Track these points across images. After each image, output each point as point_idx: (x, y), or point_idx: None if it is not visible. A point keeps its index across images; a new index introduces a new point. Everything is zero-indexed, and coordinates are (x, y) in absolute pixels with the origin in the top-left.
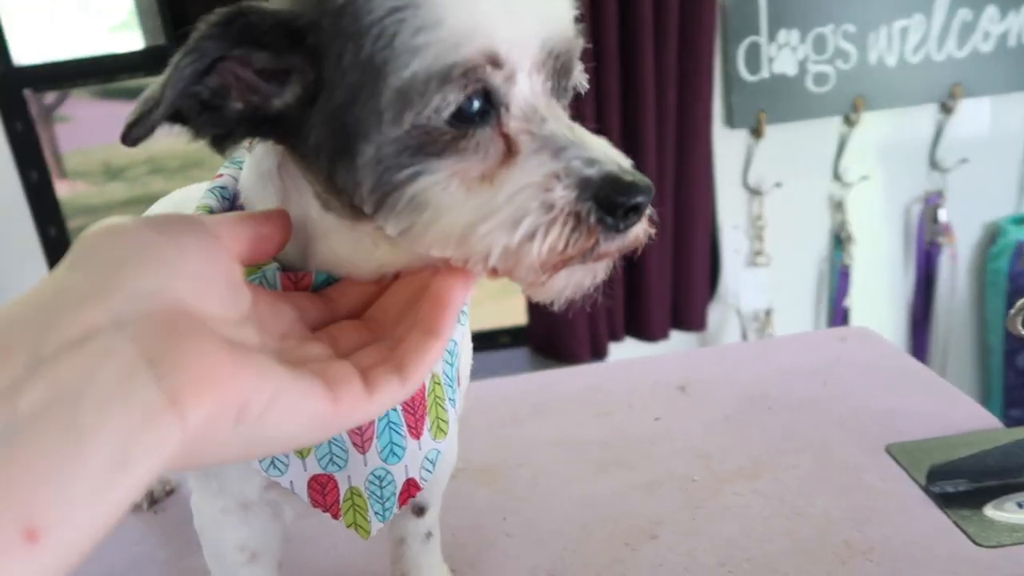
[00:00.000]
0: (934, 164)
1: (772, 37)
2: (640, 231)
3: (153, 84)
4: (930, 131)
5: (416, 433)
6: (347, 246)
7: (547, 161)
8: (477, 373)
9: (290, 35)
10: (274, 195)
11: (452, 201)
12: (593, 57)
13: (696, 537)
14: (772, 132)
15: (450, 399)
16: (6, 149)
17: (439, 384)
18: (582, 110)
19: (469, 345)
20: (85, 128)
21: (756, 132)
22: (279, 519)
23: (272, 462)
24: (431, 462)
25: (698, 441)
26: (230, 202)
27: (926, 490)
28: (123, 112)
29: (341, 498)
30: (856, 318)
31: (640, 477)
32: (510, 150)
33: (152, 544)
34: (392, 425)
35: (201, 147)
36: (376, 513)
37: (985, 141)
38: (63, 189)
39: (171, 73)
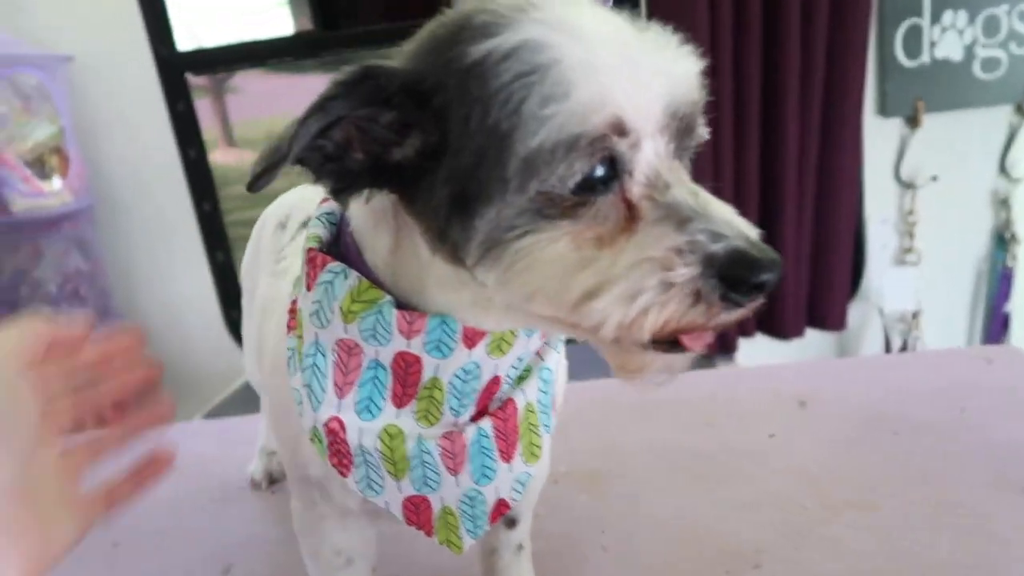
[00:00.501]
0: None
1: (936, 19)
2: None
3: (280, 135)
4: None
5: (507, 457)
6: (464, 296)
7: (670, 233)
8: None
9: (414, 95)
10: (387, 233)
11: (561, 260)
12: (733, 36)
13: (799, 569)
14: (930, 121)
15: (544, 425)
16: (168, 128)
17: (533, 412)
18: (720, 90)
19: (564, 371)
20: (252, 100)
21: (912, 121)
22: (375, 526)
23: (368, 483)
24: (522, 484)
25: (812, 463)
26: (337, 227)
27: None
28: (284, 85)
29: (434, 516)
30: (1018, 327)
31: (745, 497)
32: (632, 216)
33: (267, 523)
34: (484, 450)
35: None
36: (468, 530)
37: None
38: (231, 156)
39: (298, 129)
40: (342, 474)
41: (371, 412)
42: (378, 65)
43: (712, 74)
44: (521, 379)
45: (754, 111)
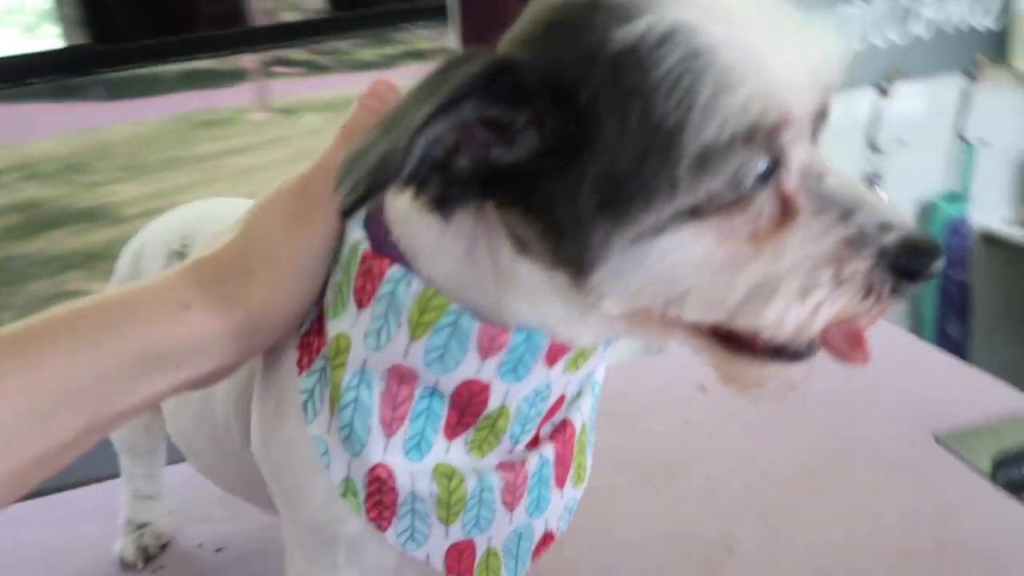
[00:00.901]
0: (873, 147)
1: None
2: None
3: (364, 142)
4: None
5: (561, 483)
6: (557, 306)
7: (835, 225)
8: None
9: (555, 91)
10: (460, 238)
11: (717, 259)
12: None
13: (775, 547)
14: None
15: (591, 443)
16: None
17: (585, 431)
18: None
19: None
20: None
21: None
22: None
23: (411, 535)
24: (569, 511)
25: (738, 444)
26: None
27: (992, 479)
28: None
29: (476, 562)
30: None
31: (692, 487)
32: (786, 210)
33: None
34: (543, 479)
35: (80, 151)
36: (508, 571)
37: (920, 122)
38: None
39: (416, 137)
40: (381, 528)
41: (420, 450)
42: (512, 58)
43: None
44: (575, 401)
45: None
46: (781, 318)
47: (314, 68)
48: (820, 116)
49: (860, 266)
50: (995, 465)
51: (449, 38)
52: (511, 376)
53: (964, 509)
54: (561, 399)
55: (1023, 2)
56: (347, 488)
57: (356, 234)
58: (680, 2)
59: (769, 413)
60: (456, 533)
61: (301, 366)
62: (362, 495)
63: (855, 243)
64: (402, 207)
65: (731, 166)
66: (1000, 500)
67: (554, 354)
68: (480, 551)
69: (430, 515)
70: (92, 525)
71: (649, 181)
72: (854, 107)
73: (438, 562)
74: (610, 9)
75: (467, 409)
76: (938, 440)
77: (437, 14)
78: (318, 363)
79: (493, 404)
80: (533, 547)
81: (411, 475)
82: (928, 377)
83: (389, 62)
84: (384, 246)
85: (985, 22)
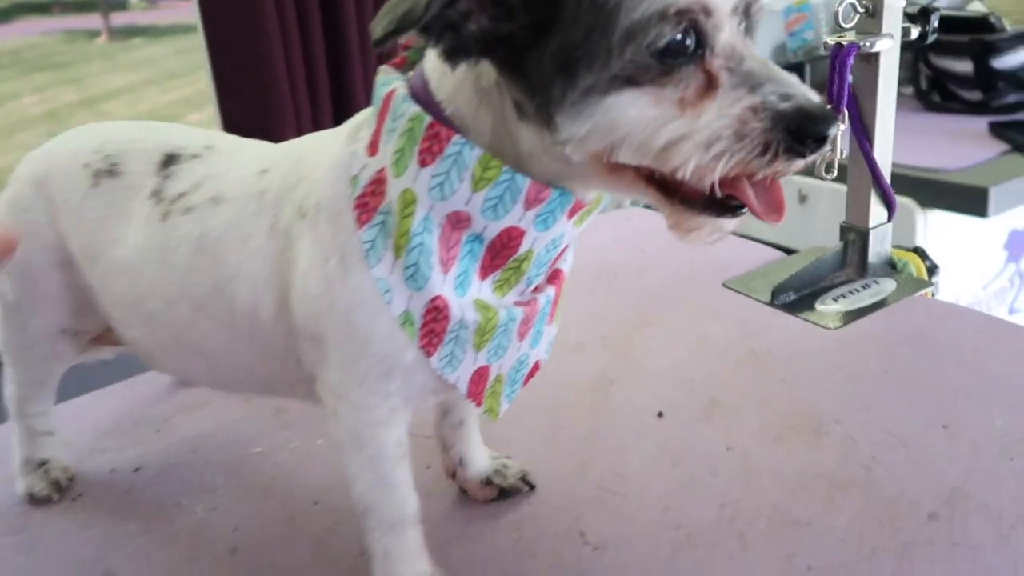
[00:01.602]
0: None
1: None
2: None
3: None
4: None
5: (550, 320)
6: (551, 165)
7: (744, 95)
8: None
9: None
10: (490, 112)
11: (647, 116)
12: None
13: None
14: None
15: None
16: None
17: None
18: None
19: None
20: None
21: None
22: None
23: (449, 361)
24: (550, 344)
25: (682, 419)
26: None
27: (772, 305)
28: None
29: (487, 386)
30: None
31: (684, 468)
32: (711, 84)
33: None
34: (543, 316)
35: None
36: (506, 396)
37: None
38: None
39: None
40: (428, 354)
41: (463, 287)
42: None
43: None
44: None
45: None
46: (686, 162)
47: None
48: (748, 10)
49: (757, 126)
50: (772, 294)
51: None
52: (542, 226)
53: (761, 326)
54: (564, 249)
55: None
56: (405, 319)
57: (413, 109)
58: None
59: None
60: (481, 359)
61: (361, 222)
62: (417, 324)
63: (758, 109)
64: (447, 93)
65: (649, 38)
66: (782, 316)
67: (575, 209)
68: (491, 376)
69: (467, 342)
70: None
71: (592, 49)
72: None
73: (464, 384)
74: None
75: (501, 252)
76: (725, 285)
77: None
78: (377, 217)
79: (523, 248)
80: (526, 374)
81: (460, 306)
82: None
83: None
84: (441, 119)
85: None
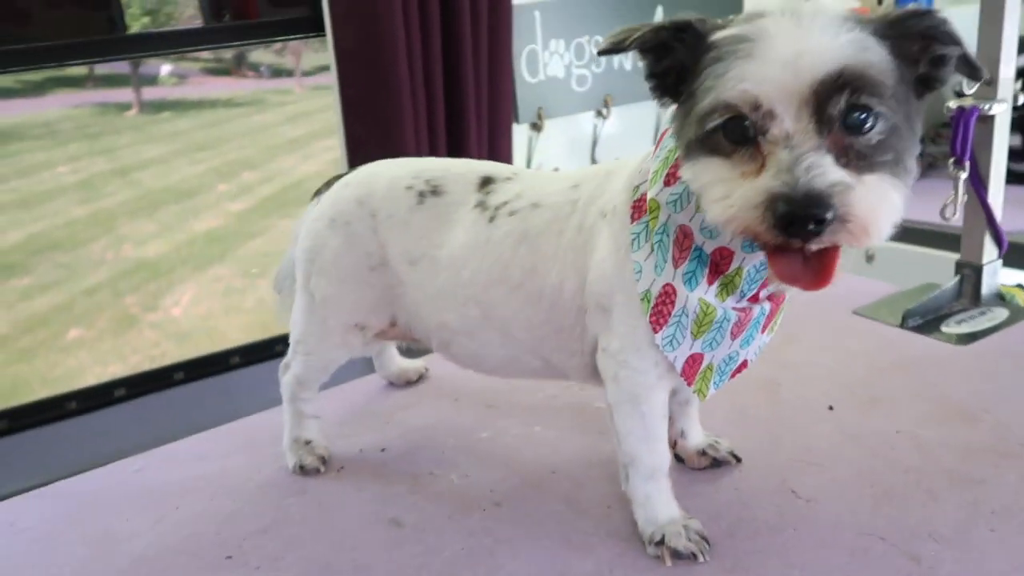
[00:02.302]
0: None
1: (545, 45)
2: (832, 238)
3: (623, 30)
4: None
5: (763, 330)
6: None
7: (771, 180)
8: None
9: (694, 47)
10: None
11: (715, 180)
12: (423, 65)
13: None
14: (549, 125)
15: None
16: None
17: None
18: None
19: None
20: None
21: (536, 126)
22: None
23: (671, 341)
24: (759, 350)
25: None
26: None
27: (902, 327)
28: None
29: (699, 372)
30: None
31: None
32: (763, 164)
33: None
34: (756, 323)
35: None
36: (715, 383)
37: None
38: None
39: (643, 33)
40: (655, 330)
41: (691, 285)
42: (693, 23)
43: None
44: None
45: (442, 129)
46: (716, 214)
47: None
48: (824, 102)
49: (759, 200)
50: (903, 318)
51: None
52: (747, 249)
53: (897, 343)
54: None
55: None
56: (645, 296)
57: (671, 143)
58: (749, 24)
59: None
60: (697, 347)
61: (633, 219)
62: (652, 303)
63: (766, 189)
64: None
65: (710, 123)
66: (914, 335)
67: (768, 281)
68: (704, 364)
69: (687, 328)
70: (241, 456)
71: (686, 121)
72: (641, 115)
73: (679, 364)
74: (719, 25)
75: (719, 266)
76: (856, 312)
77: (313, 25)
78: (644, 219)
79: (733, 266)
80: (734, 369)
81: (686, 297)
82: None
83: None
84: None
85: None
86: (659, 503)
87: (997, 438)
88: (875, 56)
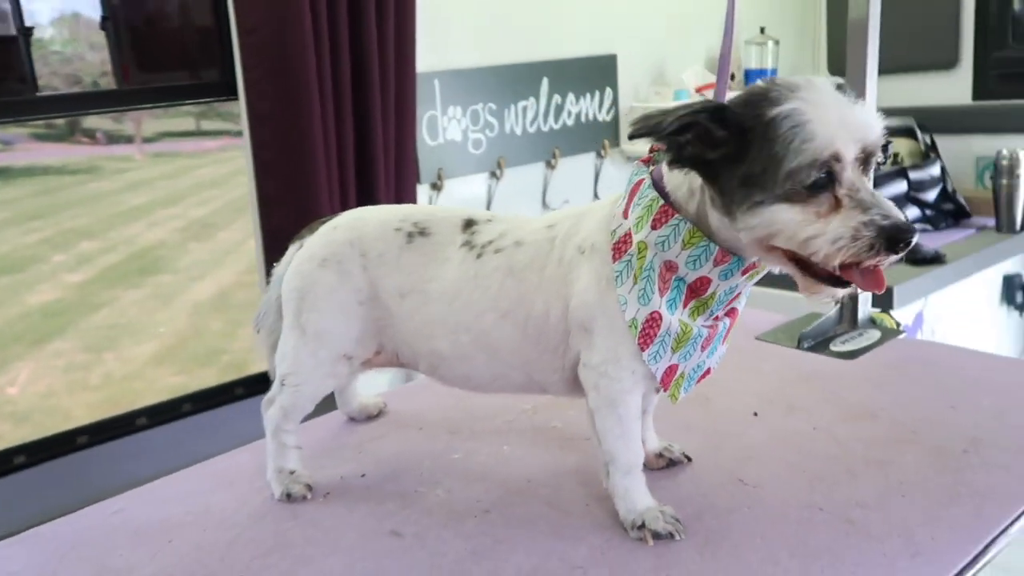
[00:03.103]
0: (544, 204)
1: (444, 111)
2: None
3: (660, 112)
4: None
5: (724, 341)
6: (730, 239)
7: (859, 214)
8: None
9: (736, 127)
10: (695, 201)
11: (795, 222)
12: (335, 128)
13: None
14: (448, 185)
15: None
16: None
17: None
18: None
19: None
20: None
21: (436, 186)
22: None
23: (655, 356)
24: (720, 358)
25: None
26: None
27: (798, 347)
28: None
29: (674, 379)
30: None
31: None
32: (838, 204)
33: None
34: (720, 336)
35: None
36: (684, 388)
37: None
38: None
39: (677, 118)
40: (642, 349)
41: (672, 309)
42: (730, 106)
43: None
44: (737, 299)
45: (351, 182)
46: (819, 251)
47: None
48: (868, 158)
49: (867, 234)
50: (798, 341)
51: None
52: (723, 277)
53: (799, 361)
54: (739, 295)
55: (623, 103)
56: (632, 323)
57: (652, 194)
58: (801, 100)
59: None
60: (674, 359)
61: (615, 258)
62: (639, 328)
63: (868, 224)
64: (673, 186)
65: (801, 177)
66: (810, 355)
67: (747, 270)
68: (678, 373)
69: (668, 345)
70: (224, 492)
71: (765, 180)
72: (531, 176)
73: (659, 375)
74: (771, 99)
75: (695, 293)
76: (758, 338)
77: (226, 90)
78: (625, 257)
79: (709, 291)
80: (700, 375)
81: (668, 320)
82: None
83: None
84: (668, 202)
85: (605, 116)
86: (637, 494)
87: (894, 430)
88: None
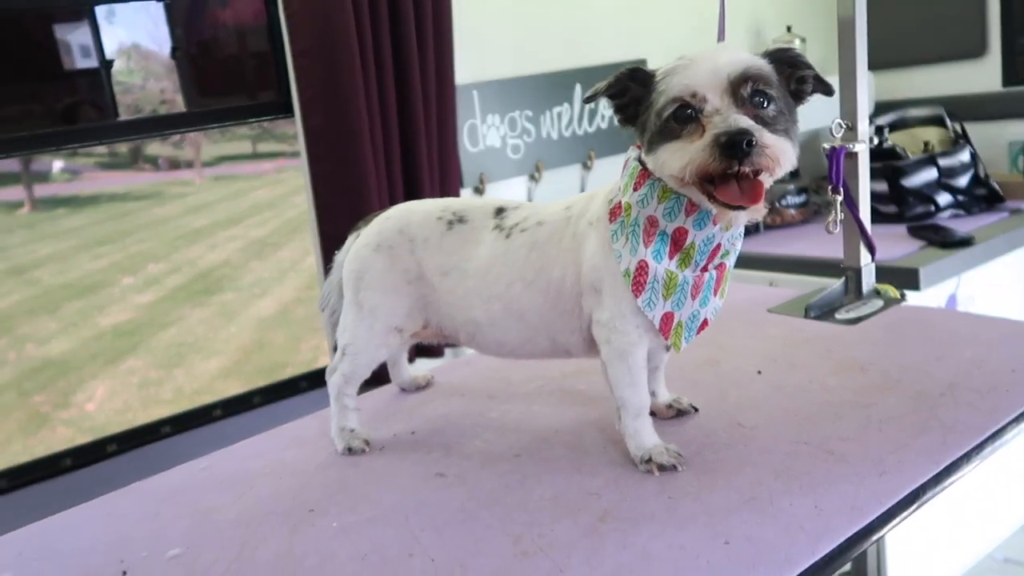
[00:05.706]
0: None
1: (484, 120)
2: (758, 160)
3: (598, 85)
4: (578, 182)
5: (715, 292)
6: (671, 184)
7: (711, 135)
8: None
9: (644, 85)
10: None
11: (674, 151)
12: (383, 140)
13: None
14: (490, 189)
15: (729, 281)
16: None
17: (729, 272)
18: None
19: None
20: None
21: (479, 190)
22: None
23: (648, 302)
24: (716, 311)
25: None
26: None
27: (806, 317)
28: None
29: (672, 328)
30: None
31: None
32: (703, 132)
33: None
34: (708, 286)
35: None
36: (685, 338)
37: None
38: None
39: (609, 81)
40: (635, 295)
41: (657, 259)
42: (640, 68)
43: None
44: (726, 254)
45: (399, 189)
46: (685, 173)
47: None
48: (737, 87)
49: (708, 146)
50: (805, 311)
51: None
52: (698, 226)
53: (805, 328)
54: (719, 247)
55: None
56: (626, 273)
57: (635, 164)
58: (677, 60)
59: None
60: (667, 306)
61: (611, 221)
62: (631, 277)
63: (712, 139)
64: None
65: (666, 112)
66: (816, 323)
67: (717, 219)
68: (675, 321)
69: (659, 292)
70: (295, 450)
71: (648, 122)
72: (569, 177)
73: (657, 322)
74: (657, 70)
75: (677, 244)
76: (771, 311)
77: (282, 109)
78: (619, 220)
79: (688, 241)
80: (698, 326)
81: (655, 268)
82: (760, 289)
83: None
84: (646, 169)
85: None
86: (645, 434)
87: (880, 379)
88: (765, 65)
